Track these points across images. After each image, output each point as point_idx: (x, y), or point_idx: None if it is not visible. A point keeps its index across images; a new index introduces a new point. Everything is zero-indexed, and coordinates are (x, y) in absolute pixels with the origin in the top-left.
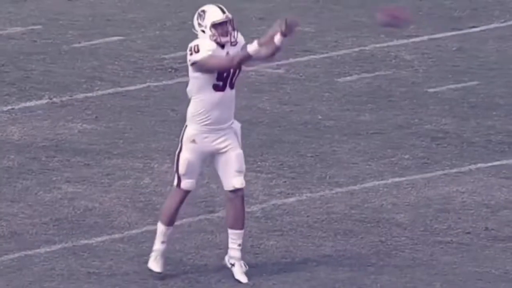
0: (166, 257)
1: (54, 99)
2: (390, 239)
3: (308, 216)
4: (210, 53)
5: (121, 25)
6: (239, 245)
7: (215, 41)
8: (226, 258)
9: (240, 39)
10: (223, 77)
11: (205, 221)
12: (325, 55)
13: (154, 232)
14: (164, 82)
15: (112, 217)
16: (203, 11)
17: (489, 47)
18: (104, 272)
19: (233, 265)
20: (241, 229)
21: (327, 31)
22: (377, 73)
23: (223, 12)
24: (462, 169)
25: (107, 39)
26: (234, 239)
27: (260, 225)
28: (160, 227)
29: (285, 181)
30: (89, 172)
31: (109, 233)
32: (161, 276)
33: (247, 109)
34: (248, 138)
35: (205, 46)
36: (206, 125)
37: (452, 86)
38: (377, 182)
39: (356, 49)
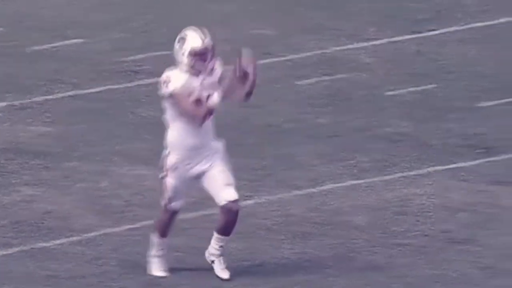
0: (166, 260)
1: (14, 102)
2: (348, 242)
3: (267, 219)
4: (179, 88)
5: (83, 27)
6: (221, 246)
7: (191, 68)
8: (206, 253)
9: (218, 68)
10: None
11: None
12: (286, 58)
13: (112, 235)
14: (124, 85)
15: (70, 220)
16: (184, 36)
17: (448, 50)
18: (62, 275)
19: (213, 261)
20: (228, 236)
21: (288, 34)
22: (337, 76)
23: (204, 38)
24: (420, 171)
25: (68, 42)
26: (218, 242)
27: None
28: (155, 239)
29: (245, 184)
30: (48, 174)
31: (67, 236)
32: (120, 279)
33: None
34: None
35: (176, 80)
36: (185, 151)
37: (411, 89)
38: (335, 185)
39: (317, 52)
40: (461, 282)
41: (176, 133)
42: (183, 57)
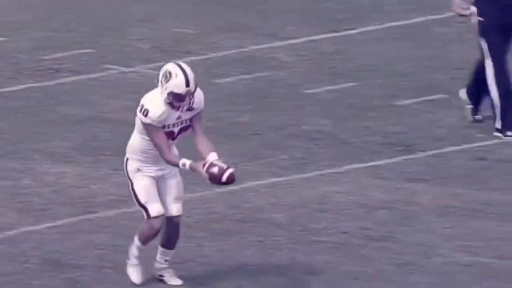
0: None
1: None
2: (269, 239)
3: (188, 217)
4: (156, 121)
5: (3, 26)
6: (166, 260)
7: (168, 103)
8: (154, 271)
9: (199, 103)
10: (167, 134)
11: (85, 221)
12: (205, 56)
13: (33, 233)
14: (44, 83)
15: None
16: (169, 74)
17: (366, 49)
18: None
19: (162, 276)
20: (172, 249)
21: (207, 32)
22: (256, 74)
23: (187, 85)
24: (339, 169)
25: None
26: (163, 256)
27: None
28: (138, 244)
29: None
30: None
31: None
32: (40, 276)
33: (128, 110)
34: (128, 139)
35: (154, 113)
36: (146, 159)
37: (330, 88)
38: (256, 182)
39: (235, 51)
40: (379, 279)
41: (140, 143)
42: (163, 91)
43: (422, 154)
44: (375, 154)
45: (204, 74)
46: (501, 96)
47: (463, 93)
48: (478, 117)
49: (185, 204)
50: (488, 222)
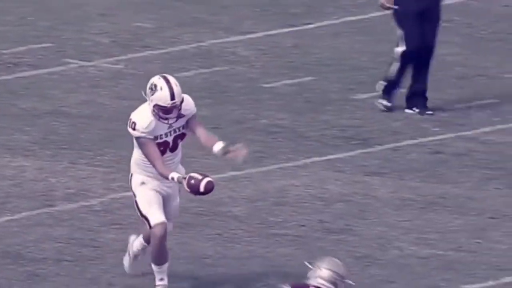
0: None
1: None
2: (227, 232)
3: None
4: (145, 133)
5: None
6: (161, 279)
7: (156, 115)
8: None
9: (188, 109)
10: (159, 149)
11: (44, 214)
12: (164, 50)
13: None
14: (3, 77)
15: None
16: (155, 87)
17: (323, 43)
18: None
19: None
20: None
21: (166, 27)
22: (214, 68)
23: (172, 98)
24: (297, 163)
25: None
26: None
27: (99, 218)
28: (142, 241)
29: (124, 175)
30: None
31: None
32: (0, 269)
33: (86, 104)
34: (87, 133)
35: (141, 124)
36: (149, 173)
37: (288, 82)
38: (215, 176)
39: (194, 45)
40: None
41: (138, 159)
42: (150, 103)
43: (379, 147)
44: (333, 148)
45: (163, 68)
46: (398, 76)
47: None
48: (429, 112)
49: None
50: (444, 214)
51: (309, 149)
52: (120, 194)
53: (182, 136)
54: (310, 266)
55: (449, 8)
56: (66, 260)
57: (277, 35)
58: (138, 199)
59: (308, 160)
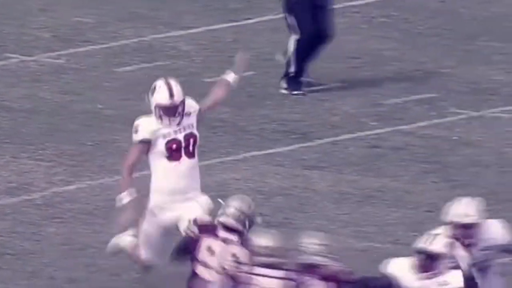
0: None
1: None
2: None
3: (88, 203)
4: (147, 137)
5: None
6: None
7: (159, 118)
8: None
9: (191, 106)
10: (172, 149)
11: None
12: (105, 45)
13: None
14: None
15: None
16: (154, 88)
17: (263, 38)
18: None
19: None
20: None
21: (107, 22)
22: (156, 63)
23: (171, 95)
24: (237, 157)
25: None
26: None
27: (41, 212)
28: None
29: (65, 169)
30: None
31: None
32: None
33: (28, 98)
34: (28, 127)
35: (144, 126)
36: (163, 194)
37: None
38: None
39: (135, 40)
40: None
41: (154, 174)
42: (152, 107)
43: (318, 141)
44: (273, 142)
45: (105, 63)
46: (297, 63)
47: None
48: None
49: (85, 191)
50: (382, 208)
51: (249, 143)
52: (61, 188)
53: (193, 136)
54: (222, 202)
55: (387, 3)
56: (8, 254)
57: (217, 30)
58: (143, 224)
59: (248, 154)
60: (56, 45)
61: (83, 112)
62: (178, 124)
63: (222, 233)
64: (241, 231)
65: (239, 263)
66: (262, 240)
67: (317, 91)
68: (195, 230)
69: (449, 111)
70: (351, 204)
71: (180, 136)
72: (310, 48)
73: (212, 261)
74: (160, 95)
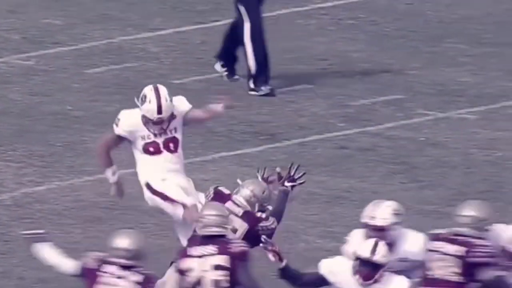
0: None
1: None
2: (138, 226)
3: (57, 204)
4: (125, 132)
5: None
6: None
7: (146, 125)
8: None
9: (181, 110)
10: (149, 151)
11: None
12: (74, 47)
13: None
14: None
15: None
16: (144, 98)
17: None
18: None
19: None
20: None
21: (76, 23)
22: (124, 65)
23: (159, 113)
24: (206, 158)
25: None
26: None
27: (11, 213)
28: None
29: (35, 170)
30: None
31: None
32: None
33: None
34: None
35: (125, 123)
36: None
37: (197, 78)
38: (125, 171)
39: (104, 42)
40: None
41: (146, 161)
42: (140, 112)
43: (286, 142)
44: (241, 143)
45: (74, 64)
46: (256, 56)
47: (217, 66)
48: (236, 77)
49: (54, 192)
50: (350, 208)
51: (218, 144)
52: (31, 188)
53: (174, 140)
54: (239, 182)
55: (355, 5)
56: None
57: (186, 32)
58: (167, 192)
59: (216, 155)
60: (26, 47)
61: (52, 114)
62: (160, 128)
63: (230, 205)
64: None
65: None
66: (121, 241)
67: (284, 92)
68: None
69: (416, 112)
70: (320, 205)
71: (160, 140)
72: (260, 37)
73: None
74: (148, 109)
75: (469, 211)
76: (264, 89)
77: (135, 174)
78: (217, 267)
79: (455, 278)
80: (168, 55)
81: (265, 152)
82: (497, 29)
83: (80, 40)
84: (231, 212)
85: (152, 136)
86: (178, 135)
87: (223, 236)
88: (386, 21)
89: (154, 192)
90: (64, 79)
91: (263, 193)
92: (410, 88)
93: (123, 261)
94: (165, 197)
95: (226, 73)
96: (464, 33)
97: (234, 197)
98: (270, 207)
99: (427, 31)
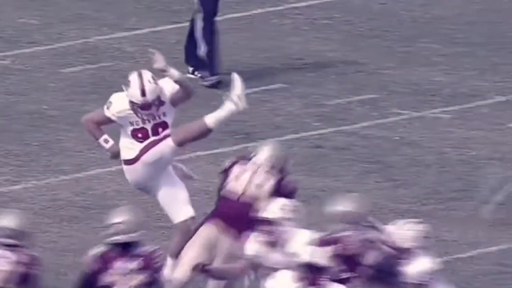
0: None
1: None
2: None
3: (34, 203)
4: (113, 118)
5: None
6: None
7: (134, 112)
8: None
9: (166, 95)
10: (138, 136)
11: None
12: (50, 46)
13: None
14: None
15: None
16: (129, 83)
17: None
18: None
19: None
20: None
21: (51, 23)
22: (100, 64)
23: (143, 94)
24: (182, 157)
25: None
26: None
27: None
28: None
29: (11, 169)
30: None
31: None
32: None
33: None
34: None
35: (115, 108)
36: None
37: None
38: (101, 170)
39: (80, 41)
40: None
41: (129, 140)
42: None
43: (262, 141)
44: (218, 142)
45: (50, 64)
46: (206, 46)
47: (190, 70)
48: (214, 78)
49: (30, 191)
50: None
51: (194, 143)
52: (7, 188)
53: (163, 124)
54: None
55: (329, 5)
56: None
57: (161, 32)
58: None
59: (193, 154)
60: (1, 46)
61: (28, 113)
62: (149, 114)
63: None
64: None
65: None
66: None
67: (260, 92)
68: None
69: (390, 111)
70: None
71: (148, 126)
72: (211, 28)
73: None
74: (132, 93)
75: (340, 206)
76: (212, 79)
77: (111, 173)
78: None
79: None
80: (144, 54)
81: (241, 151)
82: (470, 29)
83: (56, 40)
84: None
85: (140, 122)
86: (168, 119)
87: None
88: (360, 21)
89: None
90: (40, 79)
91: (281, 159)
92: (384, 88)
93: (5, 240)
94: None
95: (199, 75)
96: (437, 33)
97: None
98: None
99: (401, 31)
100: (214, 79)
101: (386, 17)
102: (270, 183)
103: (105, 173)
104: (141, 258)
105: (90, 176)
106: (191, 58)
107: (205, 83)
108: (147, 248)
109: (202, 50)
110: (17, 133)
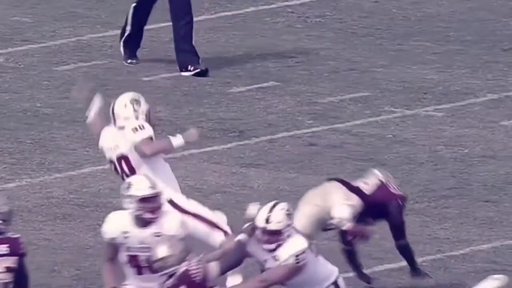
0: None
1: None
2: None
3: (28, 201)
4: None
5: None
6: None
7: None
8: None
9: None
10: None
11: None
12: (43, 44)
13: None
14: None
15: None
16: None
17: (200, 37)
18: None
19: None
20: None
21: (44, 21)
22: (93, 62)
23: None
24: (176, 154)
25: None
26: None
27: None
28: None
29: (5, 167)
30: None
31: None
32: None
33: None
34: None
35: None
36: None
37: (165, 75)
38: (95, 168)
39: (73, 39)
40: None
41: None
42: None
43: (255, 139)
44: (210, 140)
45: (43, 62)
46: (133, 28)
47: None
48: (134, 60)
49: (24, 189)
50: None
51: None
52: (1, 186)
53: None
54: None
55: (322, 3)
56: None
57: (154, 30)
58: (201, 214)
59: (186, 152)
60: None
61: (22, 111)
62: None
63: None
64: None
65: None
66: None
67: (253, 90)
68: None
69: (383, 109)
70: (288, 202)
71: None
72: (145, 13)
73: None
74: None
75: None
76: (131, 61)
77: (105, 171)
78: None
79: None
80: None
81: (234, 149)
82: (462, 27)
83: (49, 38)
84: None
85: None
86: (129, 153)
87: None
88: (352, 19)
89: (182, 211)
90: (33, 77)
91: None
92: (377, 86)
93: None
94: (201, 218)
95: (195, 71)
96: (430, 31)
97: None
98: None
99: (393, 29)
100: (133, 61)
101: (379, 15)
102: None
103: (99, 171)
104: (7, 245)
105: (84, 174)
106: (180, 54)
107: (125, 61)
108: (11, 234)
109: (127, 31)
110: (11, 131)
